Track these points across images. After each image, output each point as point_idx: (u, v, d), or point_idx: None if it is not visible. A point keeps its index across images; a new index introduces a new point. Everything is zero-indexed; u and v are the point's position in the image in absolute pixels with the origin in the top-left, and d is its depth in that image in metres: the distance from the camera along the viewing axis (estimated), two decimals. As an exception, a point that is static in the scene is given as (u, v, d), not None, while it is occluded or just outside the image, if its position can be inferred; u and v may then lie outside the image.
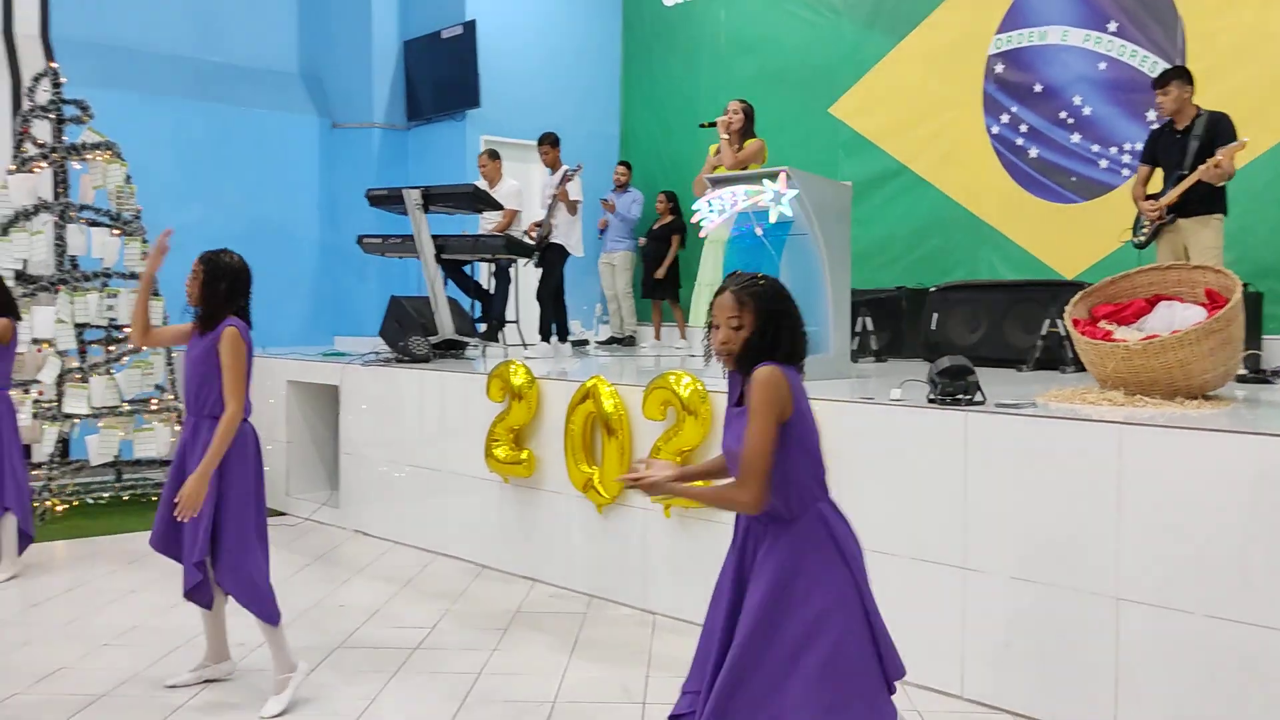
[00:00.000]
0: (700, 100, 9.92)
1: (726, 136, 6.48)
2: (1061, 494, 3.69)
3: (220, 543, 3.77)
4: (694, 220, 5.61)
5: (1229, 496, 3.33)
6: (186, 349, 3.91)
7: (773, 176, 5.26)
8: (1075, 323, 4.42)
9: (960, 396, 4.12)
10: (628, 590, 5.11)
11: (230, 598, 3.86)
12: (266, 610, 3.81)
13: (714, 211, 5.50)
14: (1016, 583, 3.80)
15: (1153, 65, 7.01)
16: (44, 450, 7.32)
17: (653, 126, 10.68)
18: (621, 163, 10.01)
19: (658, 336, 9.72)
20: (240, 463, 3.81)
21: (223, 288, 3.83)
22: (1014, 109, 7.81)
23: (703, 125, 6.92)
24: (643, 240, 9.74)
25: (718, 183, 5.57)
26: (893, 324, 7.60)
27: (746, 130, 6.53)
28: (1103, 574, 3.57)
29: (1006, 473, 3.83)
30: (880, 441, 4.18)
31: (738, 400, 2.54)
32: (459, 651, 4.47)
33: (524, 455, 5.54)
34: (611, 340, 9.64)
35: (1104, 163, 7.40)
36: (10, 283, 7.35)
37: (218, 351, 3.77)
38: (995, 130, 7.91)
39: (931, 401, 4.13)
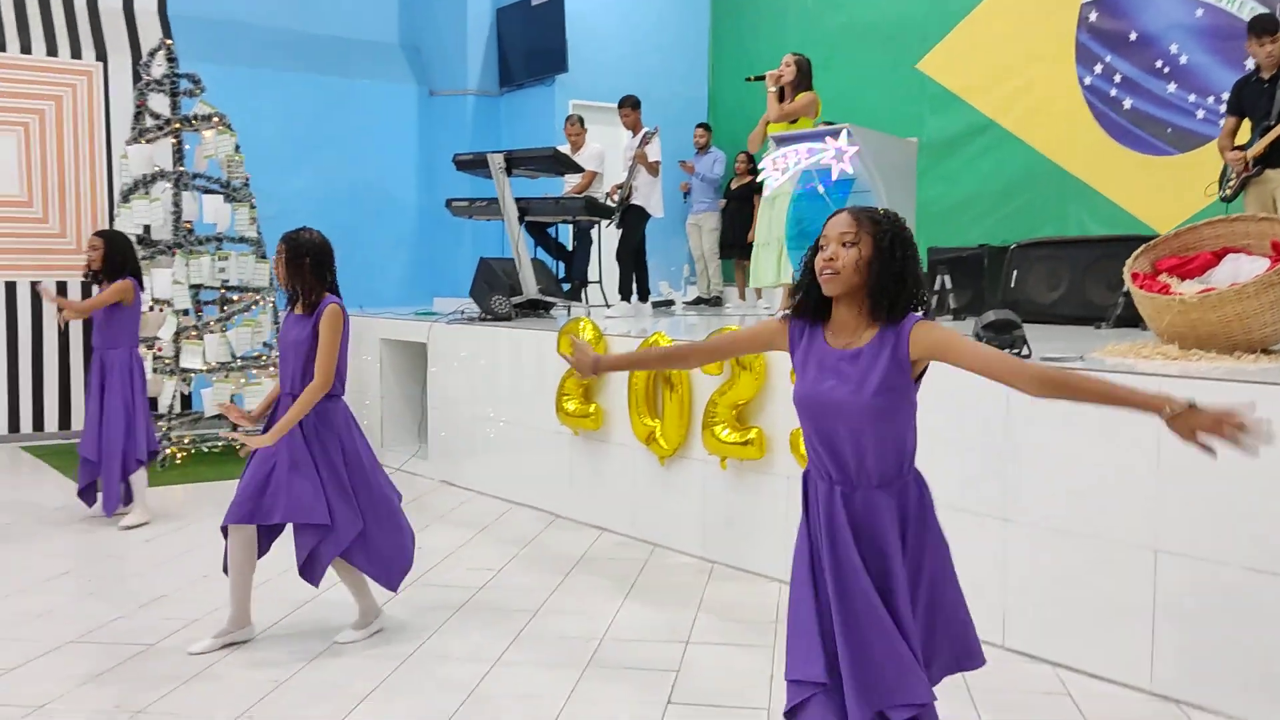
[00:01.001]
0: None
1: (773, 89, 6.40)
2: (1101, 446, 3.68)
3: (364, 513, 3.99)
4: (758, 179, 5.69)
5: (1268, 450, 3.28)
6: (284, 330, 4.04)
7: (835, 134, 5.30)
8: (1134, 276, 4.36)
9: (1006, 350, 4.12)
10: (687, 539, 5.28)
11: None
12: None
13: (778, 169, 5.57)
14: (1056, 534, 3.81)
15: (1250, 10, 6.71)
16: (164, 402, 7.89)
17: (739, 87, 10.65)
18: (700, 125, 10.06)
19: (742, 297, 9.78)
20: (361, 439, 4.06)
21: (308, 263, 3.94)
22: (1108, 59, 7.58)
23: (749, 79, 6.83)
24: (723, 201, 9.79)
25: (781, 141, 5.63)
26: (974, 283, 7.49)
27: (800, 84, 6.41)
28: (1141, 526, 3.57)
29: (1047, 425, 3.83)
30: (923, 394, 4.21)
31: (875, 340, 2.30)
32: (521, 592, 4.71)
33: (592, 409, 5.74)
34: (699, 301, 9.75)
35: (1201, 113, 7.13)
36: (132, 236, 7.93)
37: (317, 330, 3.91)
38: (1088, 81, 7.69)
39: (977, 355, 4.13)
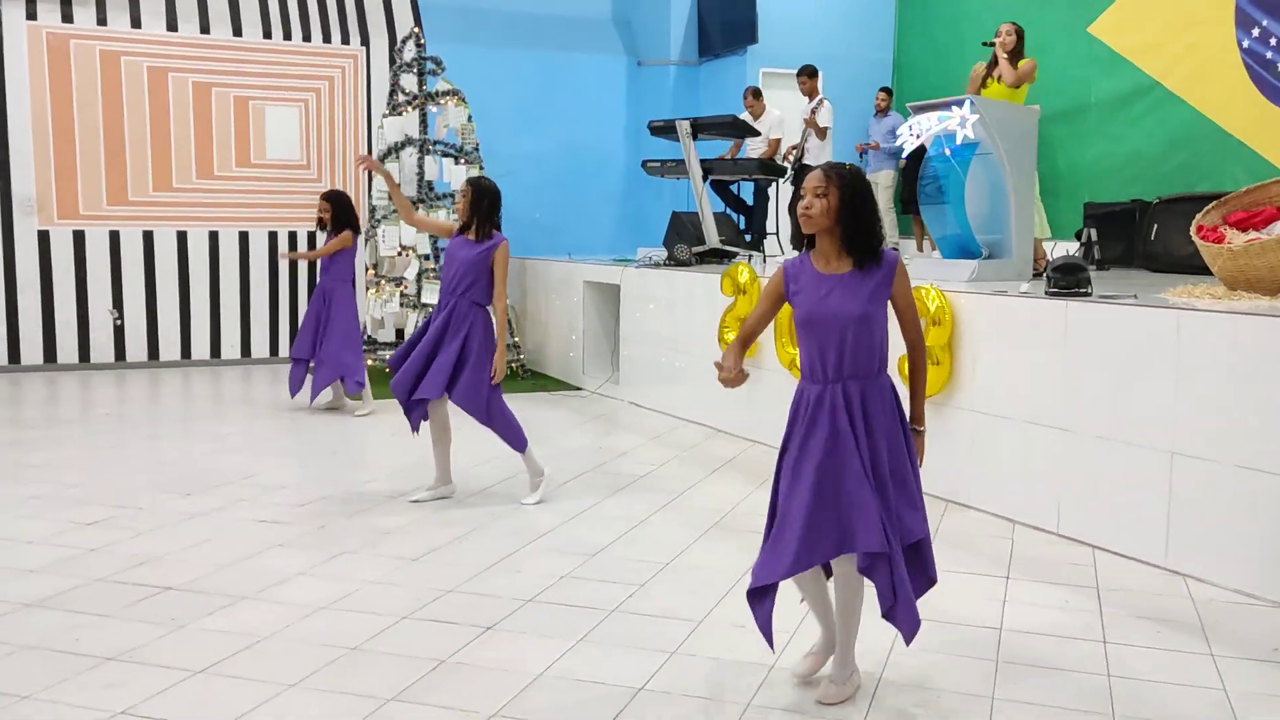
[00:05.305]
0: (970, 23, 10.40)
1: (1005, 56, 6.97)
2: (1133, 368, 4.42)
3: (479, 392, 5.12)
4: (898, 143, 6.53)
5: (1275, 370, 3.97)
6: (452, 246, 5.16)
7: (960, 103, 6.08)
8: (1199, 229, 4.98)
9: (1076, 290, 4.88)
10: (818, 448, 6.27)
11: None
12: (516, 440, 5.31)
13: (913, 134, 6.40)
14: (1103, 441, 4.59)
15: None
16: (409, 330, 9.55)
17: (925, 51, 11.27)
18: (882, 89, 10.73)
19: (920, 249, 10.47)
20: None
21: (485, 204, 5.14)
22: (1265, 22, 7.80)
23: (985, 44, 7.30)
24: (903, 160, 10.46)
25: (916, 109, 6.44)
26: (1124, 236, 7.98)
27: (1018, 50, 6.97)
28: (1158, 430, 4.30)
29: (1096, 350, 4.60)
30: (1007, 326, 5.05)
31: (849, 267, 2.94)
32: (676, 480, 5.89)
33: (746, 339, 6.80)
34: (871, 253, 10.50)
35: (1358, 74, 7.29)
36: (384, 201, 9.63)
37: (490, 259, 5.11)
38: (1246, 44, 7.93)
39: (1048, 294, 4.92)
